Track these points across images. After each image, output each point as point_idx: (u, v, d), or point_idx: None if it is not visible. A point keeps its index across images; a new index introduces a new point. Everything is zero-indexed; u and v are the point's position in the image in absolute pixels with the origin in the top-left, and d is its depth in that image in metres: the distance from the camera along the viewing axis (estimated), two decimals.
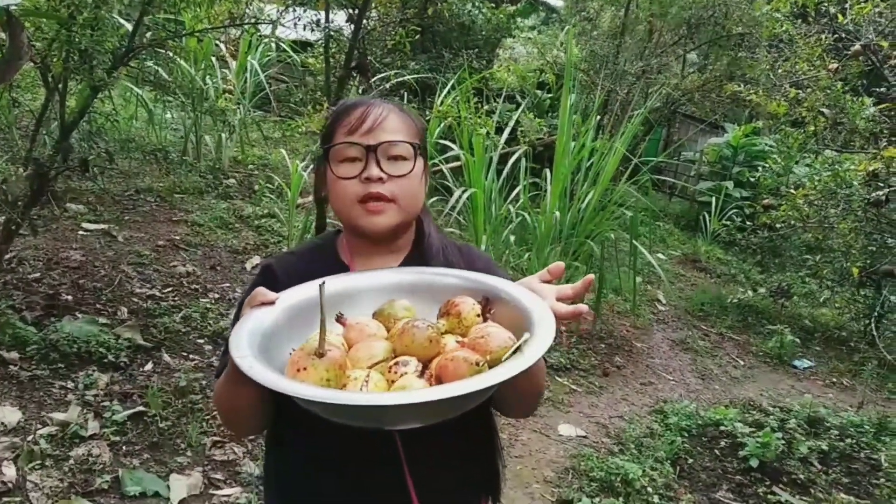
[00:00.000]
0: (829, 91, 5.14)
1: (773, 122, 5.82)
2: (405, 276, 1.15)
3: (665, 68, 8.81)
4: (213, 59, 6.30)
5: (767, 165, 7.35)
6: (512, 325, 0.99)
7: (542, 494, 2.99)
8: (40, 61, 3.43)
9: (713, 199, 8.73)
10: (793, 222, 5.56)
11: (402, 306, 1.09)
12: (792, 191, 5.56)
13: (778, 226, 5.82)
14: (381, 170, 1.12)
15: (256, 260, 4.81)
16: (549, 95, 9.03)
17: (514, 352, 0.92)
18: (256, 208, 5.66)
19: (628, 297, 5.77)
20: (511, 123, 5.74)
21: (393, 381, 0.94)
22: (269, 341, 1.00)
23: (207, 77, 6.15)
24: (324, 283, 0.94)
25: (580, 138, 5.09)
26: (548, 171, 5.13)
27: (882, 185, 4.55)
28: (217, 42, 6.41)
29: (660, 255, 7.58)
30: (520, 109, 6.25)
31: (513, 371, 0.86)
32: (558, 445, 3.42)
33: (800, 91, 5.45)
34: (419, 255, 1.22)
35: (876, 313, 5.89)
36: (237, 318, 1.21)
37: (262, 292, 1.05)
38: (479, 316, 1.03)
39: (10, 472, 2.29)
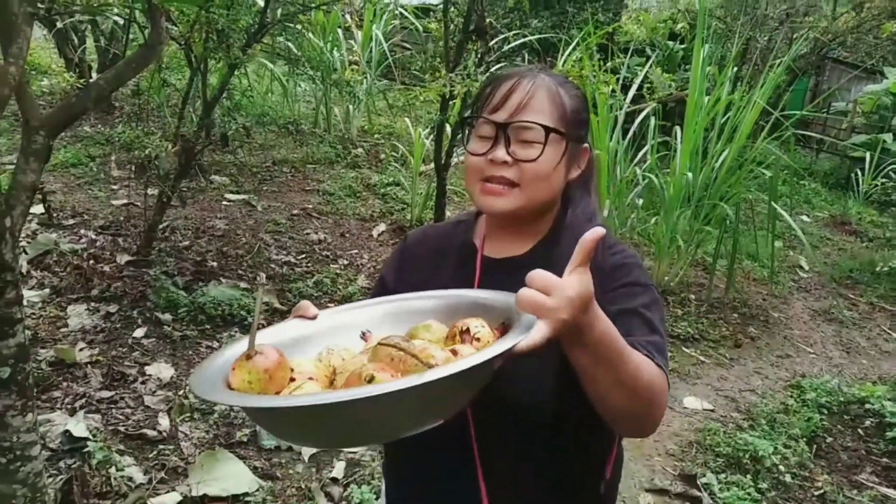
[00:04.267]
0: None
1: None
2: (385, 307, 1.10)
3: (813, 10, 8.03)
4: (339, 30, 6.49)
5: None
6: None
7: (663, 468, 2.93)
8: (184, 43, 3.70)
9: (867, 155, 7.92)
10: None
11: (428, 327, 1.01)
12: None
13: None
14: (508, 152, 1.06)
15: (382, 227, 4.98)
16: (683, 46, 8.54)
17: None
18: (382, 177, 5.84)
19: (766, 263, 5.42)
20: (638, 79, 5.49)
21: None
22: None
23: (335, 49, 6.36)
24: (264, 284, 0.92)
25: (715, 92, 4.77)
26: (678, 128, 4.88)
27: None
28: (343, 13, 6.59)
29: (804, 218, 7.04)
30: (648, 63, 5.95)
31: (402, 384, 0.73)
32: (682, 418, 3.32)
33: None
34: (551, 243, 1.14)
35: None
36: (375, 290, 1.28)
37: (305, 307, 1.05)
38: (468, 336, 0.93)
39: (164, 422, 2.56)
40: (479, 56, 3.92)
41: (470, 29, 3.85)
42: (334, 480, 2.45)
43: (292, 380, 0.93)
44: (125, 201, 4.48)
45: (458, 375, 0.74)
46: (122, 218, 4.22)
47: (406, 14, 6.76)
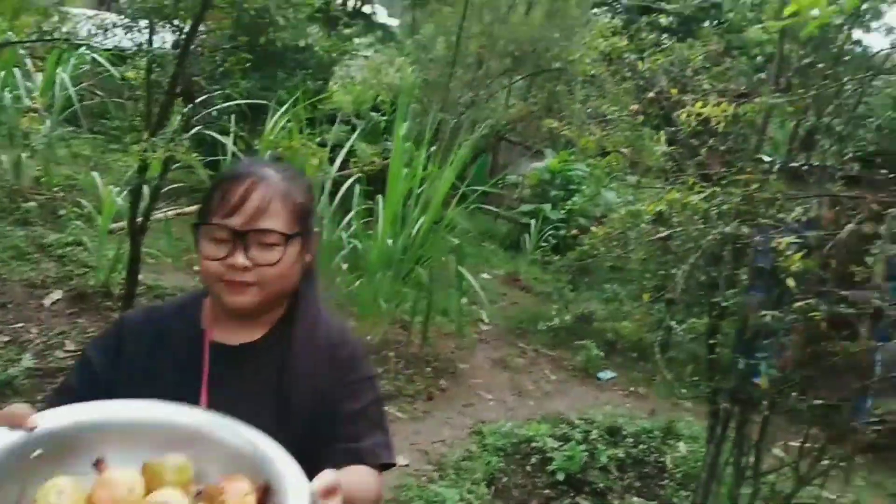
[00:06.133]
0: (628, 133, 5.72)
1: (584, 156, 6.35)
2: (186, 420, 1.00)
3: (493, 98, 9.32)
4: (17, 70, 5.74)
5: (583, 193, 7.93)
6: None
7: None
8: None
9: (532, 221, 9.31)
10: (596, 251, 6.07)
11: (175, 466, 0.92)
12: (594, 227, 6.07)
13: (585, 251, 6.32)
14: (248, 257, 1.09)
15: (57, 295, 4.43)
16: (384, 118, 9.18)
17: None
18: (60, 235, 5.21)
19: (454, 318, 6.02)
20: (346, 149, 5.81)
21: None
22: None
23: (6, 90, 5.59)
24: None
25: (413, 166, 5.26)
26: (381, 196, 5.26)
27: (662, 228, 5.13)
28: (22, 51, 5.86)
29: (484, 276, 7.94)
30: (355, 134, 6.33)
31: None
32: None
33: (606, 131, 6.01)
34: (284, 332, 1.19)
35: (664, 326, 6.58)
36: (77, 372, 1.18)
37: (20, 413, 0.91)
38: None
39: None
40: (185, 120, 3.82)
41: (177, 91, 3.73)
42: None
43: None
44: None
45: None
46: None
47: (100, 60, 6.23)
